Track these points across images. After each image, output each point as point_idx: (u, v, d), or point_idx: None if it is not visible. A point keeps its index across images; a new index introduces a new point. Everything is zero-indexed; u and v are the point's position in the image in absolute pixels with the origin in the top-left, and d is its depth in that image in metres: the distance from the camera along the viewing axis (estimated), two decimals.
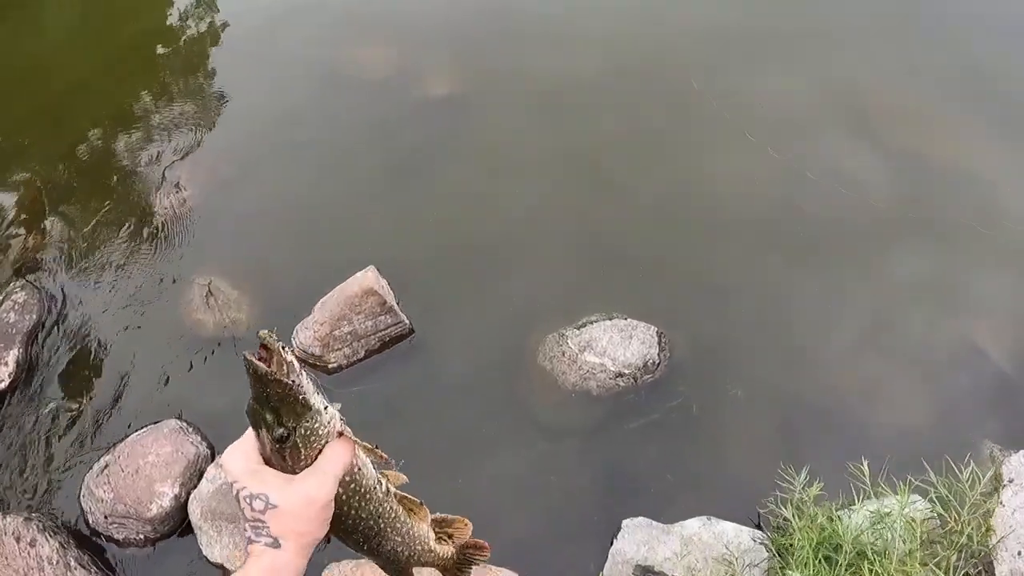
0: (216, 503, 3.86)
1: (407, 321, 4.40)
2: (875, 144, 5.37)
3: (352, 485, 1.46)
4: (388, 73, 5.86)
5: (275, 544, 1.28)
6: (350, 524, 1.47)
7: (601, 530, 3.90)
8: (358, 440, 1.46)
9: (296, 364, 1.35)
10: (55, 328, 4.90)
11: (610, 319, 4.41)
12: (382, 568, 1.67)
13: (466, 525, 1.79)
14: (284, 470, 1.34)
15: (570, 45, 6.02)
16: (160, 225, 5.29)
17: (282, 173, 5.49)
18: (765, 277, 4.73)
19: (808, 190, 5.08)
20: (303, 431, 1.33)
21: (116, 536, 4.02)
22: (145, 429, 4.24)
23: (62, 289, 5.02)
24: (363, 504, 1.47)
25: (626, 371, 4.23)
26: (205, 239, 5.18)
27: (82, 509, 4.08)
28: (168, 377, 4.56)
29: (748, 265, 4.79)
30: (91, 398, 4.51)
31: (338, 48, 6.15)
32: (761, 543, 3.62)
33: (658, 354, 4.29)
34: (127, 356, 4.67)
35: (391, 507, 1.56)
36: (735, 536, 3.66)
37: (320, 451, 1.36)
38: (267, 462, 1.39)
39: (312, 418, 1.34)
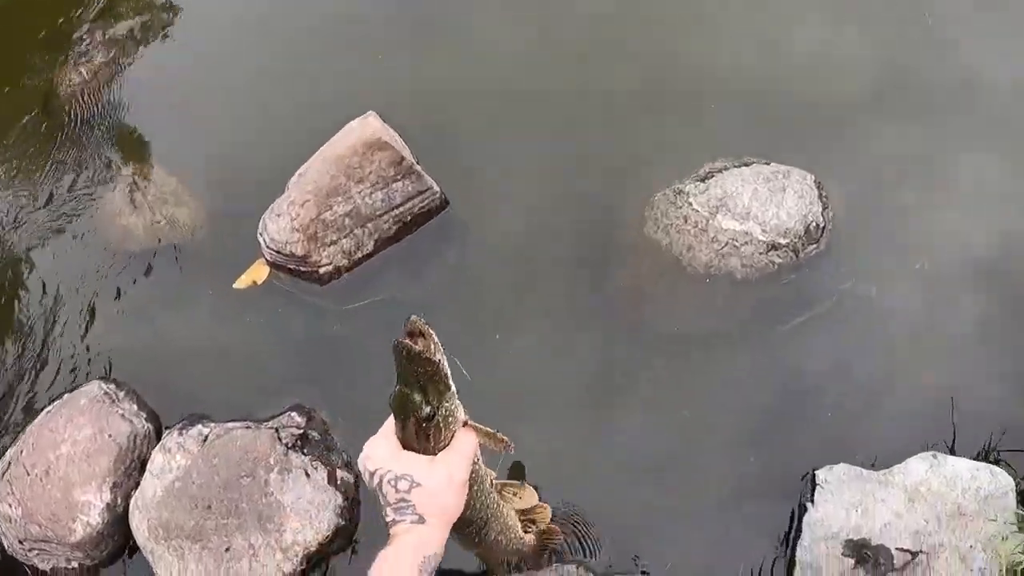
0: (170, 512, 2.37)
1: (437, 188, 2.81)
2: None
3: (474, 471, 1.49)
4: None
5: (420, 520, 1.33)
6: (467, 514, 1.48)
7: (778, 487, 2.47)
8: (478, 426, 1.49)
9: (440, 345, 1.39)
10: None
11: (746, 164, 2.85)
12: (483, 557, 1.80)
13: (545, 509, 1.87)
14: (425, 452, 1.39)
15: None
16: (64, 107, 3.64)
17: (220, 10, 3.75)
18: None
19: None
20: (444, 411, 1.36)
21: (41, 566, 2.63)
22: (58, 402, 2.74)
23: None
24: (479, 492, 1.52)
25: (783, 240, 2.71)
26: (122, 113, 3.55)
27: None
28: (90, 317, 3.05)
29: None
30: None
31: None
32: (1008, 490, 2.31)
33: (822, 214, 2.76)
34: (35, 294, 3.17)
35: (495, 497, 1.63)
36: (972, 479, 2.34)
37: (454, 434, 1.41)
38: (405, 448, 1.43)
39: (451, 399, 1.38)
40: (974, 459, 2.42)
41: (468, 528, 1.57)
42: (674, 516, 2.43)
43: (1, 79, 3.88)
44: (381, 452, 1.42)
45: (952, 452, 2.49)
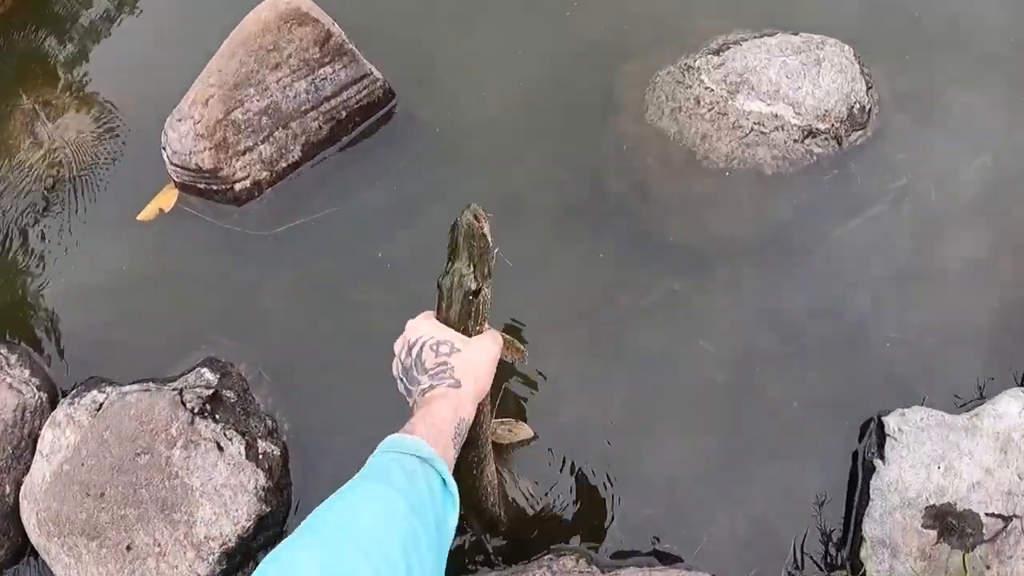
0: (59, 502, 1.86)
1: (379, 74, 2.21)
2: None
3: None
4: None
5: (456, 385, 1.36)
6: (476, 431, 1.49)
7: (832, 441, 1.92)
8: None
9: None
10: None
11: (769, 34, 2.24)
12: (475, 506, 1.66)
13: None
14: (465, 333, 1.44)
15: None
16: None
17: None
18: None
19: None
20: (485, 293, 1.44)
21: None
22: None
23: None
24: (486, 415, 1.54)
25: (822, 125, 2.13)
26: (26, 39, 2.90)
27: None
28: None
29: None
30: None
31: None
32: None
33: (866, 92, 2.16)
34: None
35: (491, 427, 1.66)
36: None
37: (486, 321, 1.49)
38: None
39: (489, 285, 1.46)
40: None
41: (473, 451, 1.54)
42: (698, 483, 1.88)
43: None
44: (425, 325, 1.45)
45: None
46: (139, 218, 2.29)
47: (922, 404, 1.86)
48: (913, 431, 1.76)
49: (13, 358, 2.24)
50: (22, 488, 2.03)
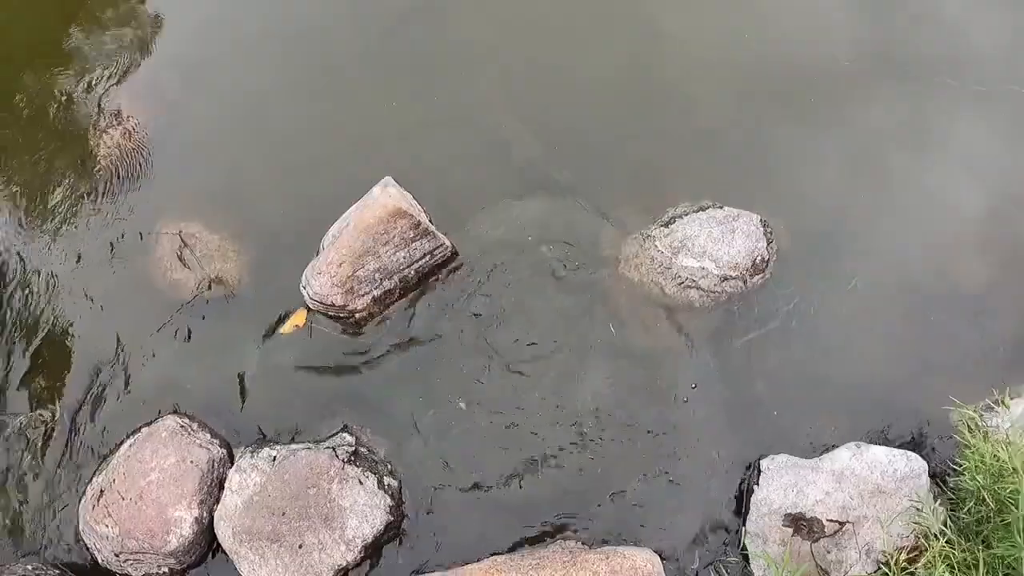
0: (251, 519, 2.96)
1: (448, 243, 3.43)
2: None
3: None
4: None
5: None
6: None
7: (732, 472, 3.13)
8: None
9: None
10: (3, 317, 3.82)
11: (702, 209, 3.47)
12: None
13: None
14: None
15: None
16: (106, 168, 4.15)
17: (240, 81, 4.31)
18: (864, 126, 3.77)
19: None
20: None
21: (135, 574, 3.18)
22: (138, 436, 3.31)
23: (2, 265, 3.95)
24: None
25: (733, 274, 3.34)
26: (163, 177, 4.07)
27: (86, 546, 3.22)
28: (151, 359, 3.59)
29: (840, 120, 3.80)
30: (64, 401, 3.56)
31: None
32: (922, 472, 2.95)
33: (766, 248, 3.39)
34: (95, 340, 3.68)
35: None
36: (889, 463, 2.98)
37: None
38: None
39: None
40: (896, 447, 3.04)
41: None
42: (652, 499, 3.05)
43: (40, 142, 4.35)
44: None
45: (881, 441, 3.11)
46: (281, 332, 3.43)
47: (787, 453, 3.03)
48: (777, 468, 2.95)
49: (195, 426, 3.34)
50: (216, 513, 3.11)
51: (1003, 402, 2.84)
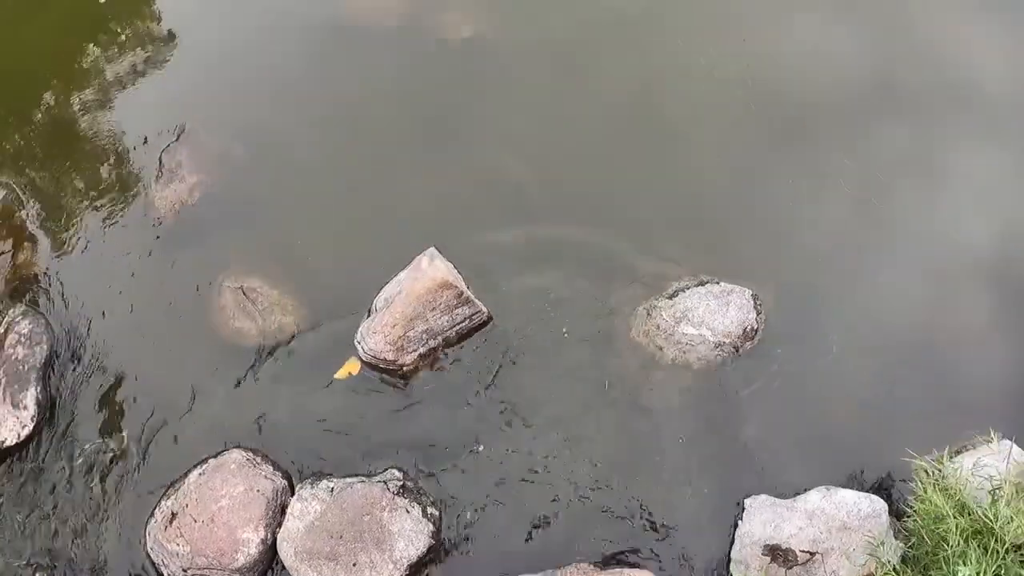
0: (312, 541, 3.48)
1: (485, 309, 4.01)
2: None
3: None
4: (398, 20, 5.19)
5: None
6: None
7: (721, 509, 3.67)
8: None
9: None
10: (72, 358, 4.32)
11: (701, 284, 4.06)
12: None
13: None
14: None
15: None
16: (167, 221, 4.62)
17: (298, 145, 4.85)
18: (837, 212, 4.41)
19: None
20: None
21: None
22: (207, 466, 3.80)
23: (68, 312, 4.42)
24: None
25: (726, 340, 3.91)
26: (223, 232, 4.56)
27: (152, 562, 3.68)
28: (215, 398, 4.07)
29: (816, 199, 4.45)
30: (131, 433, 4.03)
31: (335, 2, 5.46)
32: (882, 512, 3.48)
33: (756, 319, 3.98)
34: (161, 379, 4.16)
35: None
36: (855, 504, 3.52)
37: None
38: None
39: None
40: (859, 490, 3.58)
41: None
42: (651, 529, 3.61)
43: (99, 190, 4.84)
44: None
45: (850, 484, 3.65)
46: (336, 377, 3.97)
47: (767, 494, 3.57)
48: (758, 506, 3.50)
49: (259, 459, 3.84)
50: (279, 535, 3.61)
51: (940, 460, 3.38)
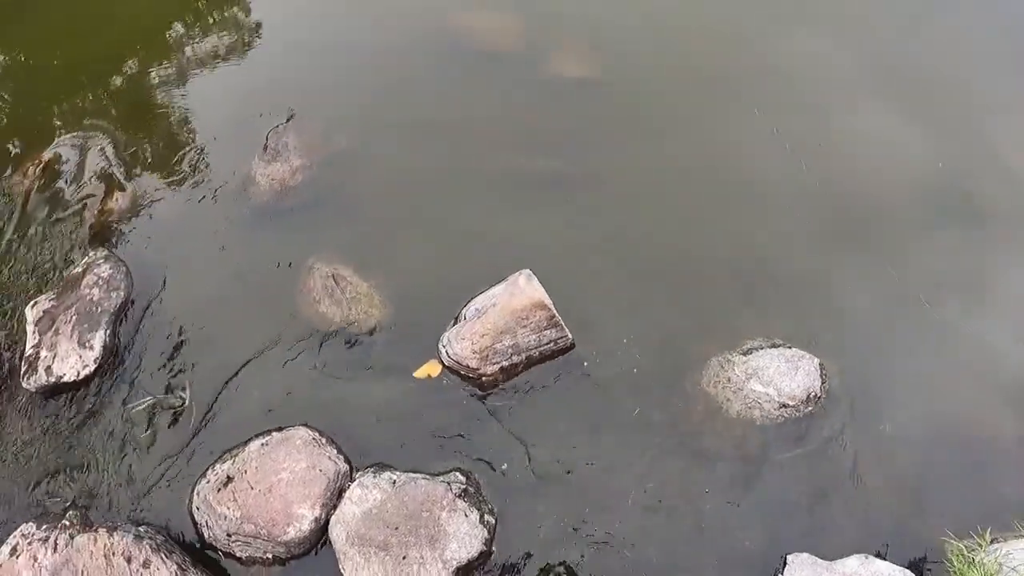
0: (366, 528, 3.53)
1: (569, 336, 4.10)
2: None
3: None
4: (512, 47, 5.38)
5: None
6: None
7: (761, 561, 3.71)
8: None
9: None
10: (146, 310, 4.42)
11: (775, 347, 4.15)
12: None
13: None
14: None
15: None
16: (265, 198, 4.75)
17: (402, 149, 5.01)
18: (914, 310, 4.51)
19: None
20: None
21: (238, 554, 3.68)
22: (271, 438, 3.86)
23: (149, 265, 4.53)
24: None
25: (790, 402, 3.99)
26: (319, 218, 4.69)
27: (194, 522, 3.73)
28: (287, 376, 4.13)
29: (895, 294, 4.55)
30: (193, 392, 4.09)
31: (452, 16, 5.65)
32: None
33: (820, 387, 4.06)
34: (234, 348, 4.23)
35: None
36: (888, 574, 3.55)
37: None
38: None
39: None
40: (894, 563, 3.61)
41: None
42: (696, 571, 3.65)
43: (199, 154, 5.03)
44: None
45: (887, 556, 3.69)
46: (415, 375, 4.05)
47: (809, 552, 3.60)
48: (799, 563, 3.54)
49: (324, 440, 3.90)
50: (333, 517, 3.67)
51: (976, 545, 3.49)
